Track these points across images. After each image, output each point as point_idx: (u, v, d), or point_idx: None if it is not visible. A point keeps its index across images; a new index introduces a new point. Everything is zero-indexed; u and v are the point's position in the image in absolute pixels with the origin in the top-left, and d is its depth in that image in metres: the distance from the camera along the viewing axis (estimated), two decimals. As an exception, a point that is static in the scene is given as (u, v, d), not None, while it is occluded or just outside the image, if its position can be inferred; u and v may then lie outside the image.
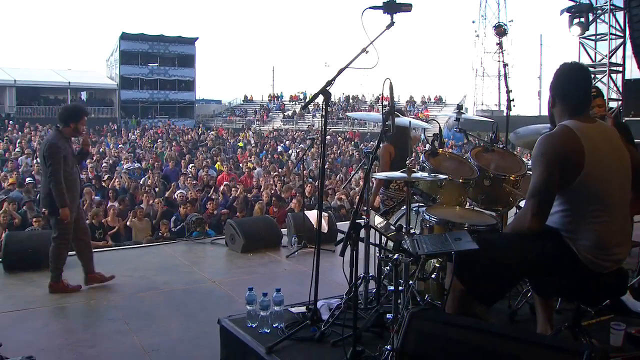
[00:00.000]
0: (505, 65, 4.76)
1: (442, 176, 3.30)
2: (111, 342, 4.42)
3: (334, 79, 3.37)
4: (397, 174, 3.05)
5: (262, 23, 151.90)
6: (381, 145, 4.91)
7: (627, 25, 11.29)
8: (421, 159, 3.89)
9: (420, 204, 4.00)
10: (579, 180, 2.70)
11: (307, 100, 3.76)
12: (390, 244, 3.95)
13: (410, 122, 3.53)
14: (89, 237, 6.03)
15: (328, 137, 32.46)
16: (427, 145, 4.00)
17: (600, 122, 2.92)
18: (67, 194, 5.41)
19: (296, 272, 6.60)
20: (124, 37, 46.49)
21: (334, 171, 18.81)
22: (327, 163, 20.82)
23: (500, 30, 4.76)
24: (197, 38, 49.97)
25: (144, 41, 47.24)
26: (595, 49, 12.33)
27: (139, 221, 9.94)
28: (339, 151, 25.68)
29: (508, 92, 4.82)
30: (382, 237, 3.63)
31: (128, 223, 10.02)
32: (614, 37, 11.82)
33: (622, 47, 11.79)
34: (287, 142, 30.43)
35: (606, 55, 11.96)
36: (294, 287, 5.20)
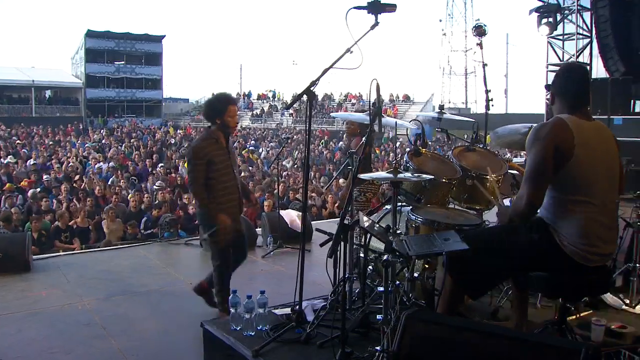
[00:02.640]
0: (484, 65, 4.82)
1: (428, 176, 3.31)
2: (88, 347, 4.32)
3: (318, 79, 3.36)
4: (383, 174, 3.05)
5: (230, 21, 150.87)
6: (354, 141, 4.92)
7: (593, 25, 11.52)
8: (405, 159, 3.90)
9: (403, 204, 4.01)
10: (567, 169, 2.80)
11: (291, 100, 3.73)
12: (373, 244, 3.99)
13: (396, 122, 3.53)
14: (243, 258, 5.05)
15: (298, 135, 32.55)
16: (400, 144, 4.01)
17: (598, 121, 3.03)
18: (219, 205, 4.56)
19: (273, 272, 6.58)
20: (90, 34, 45.52)
21: (303, 169, 18.78)
22: (298, 161, 20.81)
23: (480, 31, 4.81)
24: (164, 36, 49.35)
25: (110, 39, 46.33)
26: (563, 48, 12.55)
27: (111, 222, 9.76)
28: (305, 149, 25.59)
29: (487, 91, 4.87)
30: (365, 237, 3.63)
31: (103, 224, 9.85)
32: (581, 37, 12.06)
33: (588, 46, 12.03)
34: (253, 141, 30.31)
35: (573, 55, 12.18)
36: (273, 287, 5.17)
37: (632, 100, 10.99)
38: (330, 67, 3.30)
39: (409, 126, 4.19)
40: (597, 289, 3.09)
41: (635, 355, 3.20)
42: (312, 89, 3.37)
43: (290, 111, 46.30)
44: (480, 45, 4.84)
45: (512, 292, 3.41)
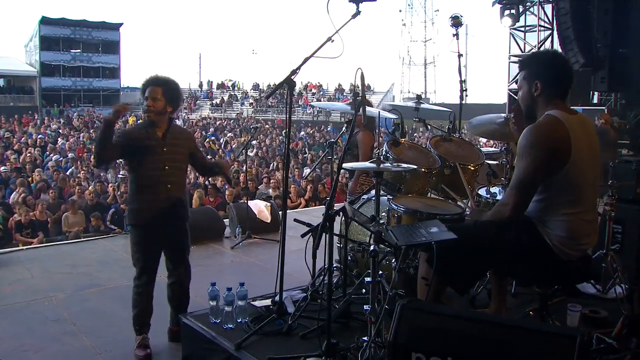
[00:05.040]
0: (460, 55, 4.85)
1: (411, 166, 3.32)
2: (59, 344, 4.21)
3: (298, 68, 3.32)
4: (366, 164, 3.04)
5: (188, 9, 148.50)
6: (360, 133, 4.92)
7: (554, 17, 11.79)
8: (384, 149, 3.90)
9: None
10: (564, 171, 2.73)
11: (272, 89, 3.68)
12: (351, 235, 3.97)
13: (379, 112, 3.52)
14: (185, 275, 4.24)
15: (259, 125, 32.34)
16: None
17: (580, 113, 2.97)
18: (143, 204, 3.96)
19: (243, 263, 6.53)
20: (44, 21, 44.20)
21: (266, 159, 18.69)
22: (260, 151, 20.67)
23: (457, 22, 4.83)
24: (121, 24, 48.36)
25: (66, 26, 45.12)
26: (525, 39, 12.85)
27: (72, 214, 9.54)
28: (267, 139, 25.49)
29: (461, 82, 4.91)
30: (346, 227, 3.62)
31: (64, 217, 9.62)
32: (542, 28, 12.38)
33: (550, 38, 12.33)
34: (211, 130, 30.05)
35: (535, 46, 12.47)
36: (244, 279, 5.06)
37: (591, 91, 11.32)
38: (311, 56, 3.27)
39: (390, 116, 4.20)
40: (581, 277, 3.15)
41: (607, 339, 3.27)
42: (292, 77, 3.34)
43: (250, 101, 46.01)
44: (456, 36, 4.87)
45: (492, 281, 3.44)
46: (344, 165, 3.14)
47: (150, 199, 3.95)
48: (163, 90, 3.93)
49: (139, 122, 3.92)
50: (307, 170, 15.04)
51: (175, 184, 4.02)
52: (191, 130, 28.48)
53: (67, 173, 14.08)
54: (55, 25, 44.69)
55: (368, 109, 3.40)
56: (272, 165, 17.29)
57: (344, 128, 4.31)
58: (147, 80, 4.03)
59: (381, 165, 2.98)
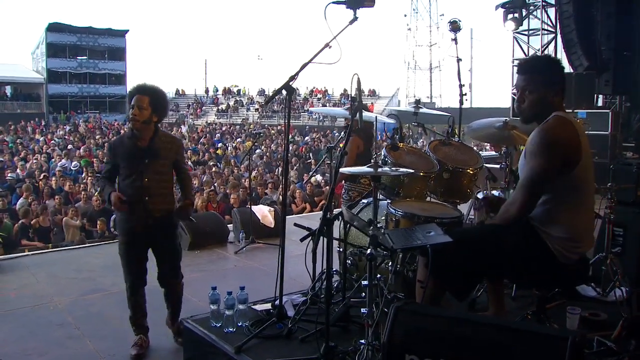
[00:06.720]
0: (459, 60, 4.87)
1: (409, 170, 3.34)
2: (63, 348, 4.25)
3: (297, 74, 3.36)
4: (364, 168, 3.07)
5: (194, 15, 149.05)
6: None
7: (558, 21, 11.77)
8: (383, 153, 3.92)
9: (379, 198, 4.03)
10: (572, 173, 2.75)
11: (271, 95, 3.72)
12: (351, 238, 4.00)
13: (376, 117, 3.55)
14: (173, 287, 4.42)
15: (264, 130, 32.45)
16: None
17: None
18: (123, 215, 4.05)
19: (246, 268, 6.55)
20: (51, 28, 44.53)
21: (270, 165, 18.75)
22: (265, 157, 20.74)
23: (455, 26, 4.86)
24: (127, 30, 48.65)
25: (72, 33, 45.39)
26: (528, 43, 12.84)
27: (71, 220, 9.60)
28: (272, 145, 25.54)
29: (461, 86, 4.93)
30: (345, 231, 3.64)
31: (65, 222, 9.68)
32: (545, 32, 12.38)
33: (553, 41, 12.33)
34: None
35: (538, 50, 12.47)
36: (247, 283, 5.10)
37: (595, 95, 11.28)
38: (309, 62, 3.31)
39: (388, 120, 4.22)
40: (578, 280, 3.16)
41: (607, 341, 3.28)
42: (291, 83, 3.37)
43: (256, 106, 46.15)
44: (455, 40, 4.90)
45: (487, 285, 3.46)
46: (342, 169, 3.15)
47: (130, 209, 3.95)
48: (150, 100, 3.87)
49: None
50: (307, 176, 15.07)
51: (157, 195, 4.00)
52: (194, 137, 28.59)
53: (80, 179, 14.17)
54: (62, 32, 44.96)
55: (365, 113, 3.42)
56: (277, 170, 17.33)
57: (342, 133, 4.33)
58: (134, 88, 3.97)
59: (379, 170, 3.01)
